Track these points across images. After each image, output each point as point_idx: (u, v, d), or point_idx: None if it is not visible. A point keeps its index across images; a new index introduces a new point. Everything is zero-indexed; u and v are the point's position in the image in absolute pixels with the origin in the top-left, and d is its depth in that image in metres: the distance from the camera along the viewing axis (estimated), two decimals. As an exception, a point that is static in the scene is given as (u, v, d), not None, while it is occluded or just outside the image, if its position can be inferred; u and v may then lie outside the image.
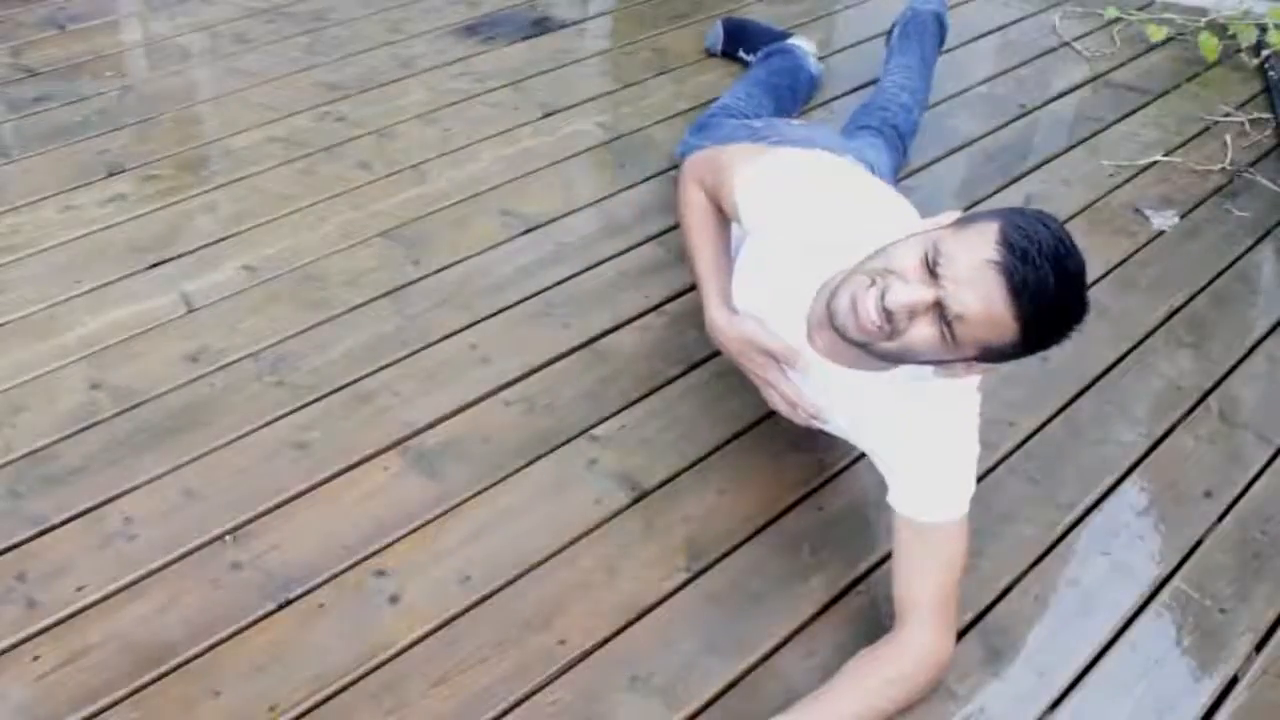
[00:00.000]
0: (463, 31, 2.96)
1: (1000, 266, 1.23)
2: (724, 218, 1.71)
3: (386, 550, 1.59)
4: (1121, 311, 2.13)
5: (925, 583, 1.43)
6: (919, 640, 1.42)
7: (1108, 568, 1.65)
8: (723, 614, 1.55)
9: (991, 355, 1.32)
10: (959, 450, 1.48)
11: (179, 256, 2.11)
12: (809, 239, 1.53)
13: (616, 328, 2.01)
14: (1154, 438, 1.87)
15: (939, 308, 1.27)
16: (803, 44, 2.70)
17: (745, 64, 2.79)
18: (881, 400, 1.49)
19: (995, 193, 2.44)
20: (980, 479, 1.56)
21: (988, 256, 1.24)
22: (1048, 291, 1.24)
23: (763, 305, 1.61)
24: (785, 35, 2.77)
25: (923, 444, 1.47)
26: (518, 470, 1.73)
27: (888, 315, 1.30)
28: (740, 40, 2.83)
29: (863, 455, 1.76)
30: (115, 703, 1.38)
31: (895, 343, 1.32)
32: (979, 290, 1.24)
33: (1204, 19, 3.15)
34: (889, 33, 2.75)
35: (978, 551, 1.48)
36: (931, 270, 1.27)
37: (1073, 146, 2.63)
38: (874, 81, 2.80)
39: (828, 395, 1.57)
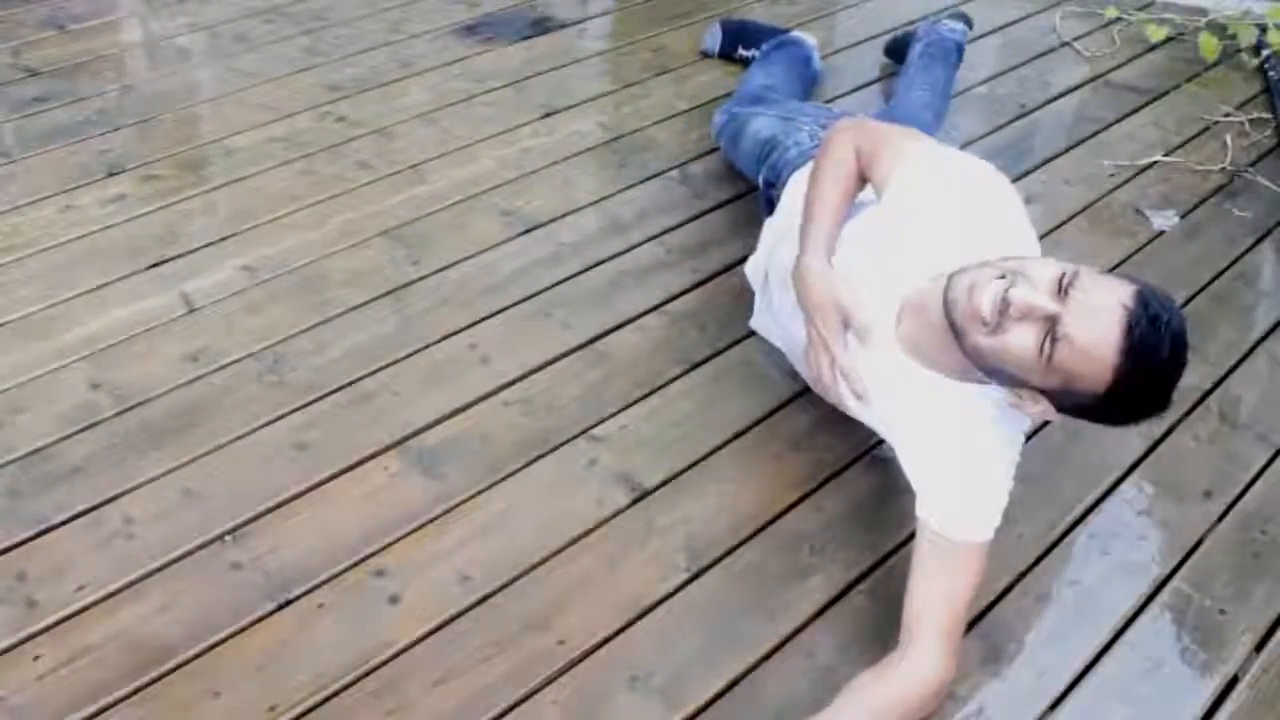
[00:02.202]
0: (463, 31, 2.96)
1: (1129, 313, 1.26)
2: (858, 187, 1.67)
3: (386, 550, 1.59)
4: (1121, 311, 2.12)
5: (940, 603, 1.42)
6: (925, 666, 1.40)
7: (1108, 568, 1.65)
8: (723, 614, 1.55)
9: (1066, 397, 1.33)
10: (999, 473, 1.47)
11: (179, 256, 2.11)
12: (943, 236, 1.51)
13: (616, 328, 2.01)
14: (1154, 438, 1.87)
15: (1051, 323, 1.29)
16: (808, 39, 2.70)
17: (746, 62, 2.78)
18: (939, 404, 1.49)
19: (995, 193, 2.43)
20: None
21: (1122, 301, 1.27)
22: (1156, 360, 1.27)
23: (862, 272, 1.58)
24: (785, 31, 2.77)
25: (968, 459, 1.47)
26: (518, 470, 1.73)
27: (1003, 307, 1.31)
28: (740, 38, 2.82)
29: (863, 455, 1.77)
30: (115, 703, 1.38)
31: (991, 339, 1.33)
32: (1098, 323, 1.27)
33: (1204, 19, 3.15)
34: (900, 45, 2.74)
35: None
36: (1063, 290, 1.29)
37: (1073, 146, 2.63)
38: (873, 81, 2.81)
39: (883, 381, 1.55)
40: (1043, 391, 1.35)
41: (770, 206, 2.03)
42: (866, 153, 1.64)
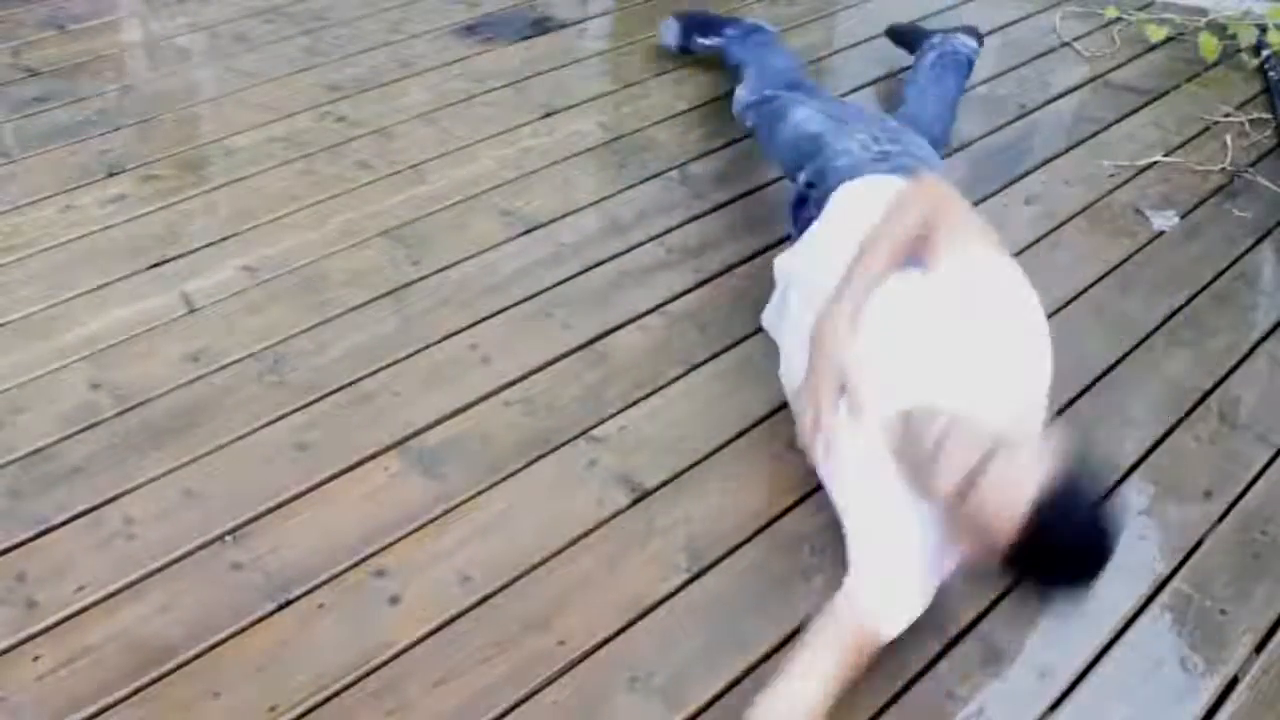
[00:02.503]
0: (462, 31, 2.96)
1: (1059, 466, 1.34)
2: (910, 251, 1.67)
3: (386, 550, 1.59)
4: (1121, 311, 2.13)
5: (811, 697, 1.39)
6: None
7: (1108, 568, 1.65)
8: (723, 614, 1.54)
9: (980, 545, 1.40)
10: (931, 586, 1.48)
11: (179, 256, 2.11)
12: (967, 346, 1.54)
13: (616, 328, 2.01)
14: (1154, 438, 1.87)
15: (984, 456, 1.35)
16: (768, 25, 2.68)
17: (712, 51, 2.72)
18: (896, 505, 1.50)
19: (995, 193, 2.43)
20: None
21: (1059, 450, 1.35)
22: (1069, 516, 1.33)
23: (883, 346, 1.58)
24: (742, 19, 2.74)
25: (917, 568, 1.48)
26: (518, 470, 1.73)
27: (945, 429, 1.40)
28: (697, 27, 2.76)
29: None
30: (115, 703, 1.38)
31: (928, 451, 1.41)
32: (1025, 463, 1.34)
33: (1204, 19, 3.15)
34: (907, 36, 2.74)
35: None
36: (995, 445, 1.36)
37: (1073, 147, 2.63)
38: (873, 82, 2.81)
39: (855, 458, 1.56)
40: (967, 532, 1.41)
41: (802, 203, 2.00)
42: (935, 229, 1.65)
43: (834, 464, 1.60)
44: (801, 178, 2.03)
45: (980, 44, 2.68)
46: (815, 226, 1.90)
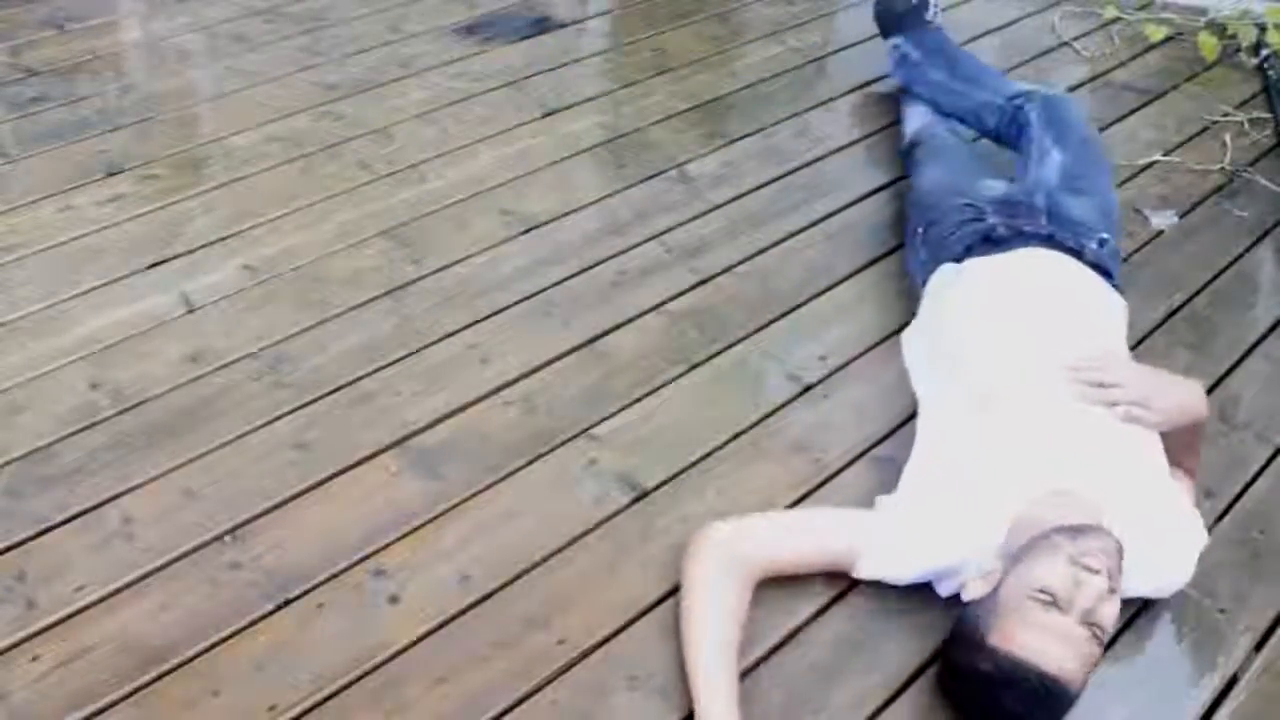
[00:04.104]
0: (462, 31, 2.96)
1: (1070, 675, 1.35)
2: (1178, 428, 1.66)
3: (386, 550, 1.59)
4: (1121, 311, 2.12)
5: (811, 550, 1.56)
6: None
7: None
8: (723, 614, 1.54)
9: (984, 607, 1.43)
10: (931, 562, 1.52)
11: (179, 256, 2.11)
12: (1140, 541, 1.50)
13: (616, 327, 2.01)
14: (1154, 437, 1.86)
15: (1066, 599, 1.37)
16: None
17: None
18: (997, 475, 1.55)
19: (995, 193, 2.43)
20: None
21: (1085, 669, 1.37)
22: (1007, 699, 1.35)
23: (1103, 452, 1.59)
24: None
25: (934, 524, 1.53)
26: (517, 470, 1.73)
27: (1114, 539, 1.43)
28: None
29: (863, 455, 1.78)
30: (115, 703, 1.38)
31: (1084, 524, 1.44)
32: (1053, 640, 1.36)
33: (1203, 19, 3.15)
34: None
35: (977, 551, 1.48)
36: (1088, 618, 1.37)
37: (1072, 146, 2.63)
38: (872, 81, 2.81)
39: (1021, 422, 1.61)
40: (995, 584, 1.42)
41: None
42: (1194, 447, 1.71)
43: (1089, 422, 1.59)
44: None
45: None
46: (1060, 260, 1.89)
